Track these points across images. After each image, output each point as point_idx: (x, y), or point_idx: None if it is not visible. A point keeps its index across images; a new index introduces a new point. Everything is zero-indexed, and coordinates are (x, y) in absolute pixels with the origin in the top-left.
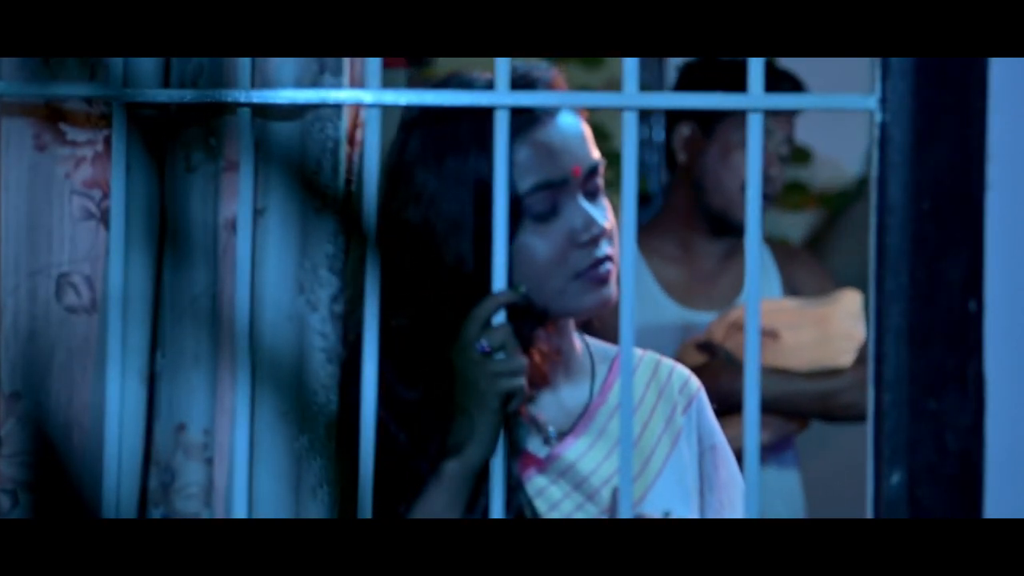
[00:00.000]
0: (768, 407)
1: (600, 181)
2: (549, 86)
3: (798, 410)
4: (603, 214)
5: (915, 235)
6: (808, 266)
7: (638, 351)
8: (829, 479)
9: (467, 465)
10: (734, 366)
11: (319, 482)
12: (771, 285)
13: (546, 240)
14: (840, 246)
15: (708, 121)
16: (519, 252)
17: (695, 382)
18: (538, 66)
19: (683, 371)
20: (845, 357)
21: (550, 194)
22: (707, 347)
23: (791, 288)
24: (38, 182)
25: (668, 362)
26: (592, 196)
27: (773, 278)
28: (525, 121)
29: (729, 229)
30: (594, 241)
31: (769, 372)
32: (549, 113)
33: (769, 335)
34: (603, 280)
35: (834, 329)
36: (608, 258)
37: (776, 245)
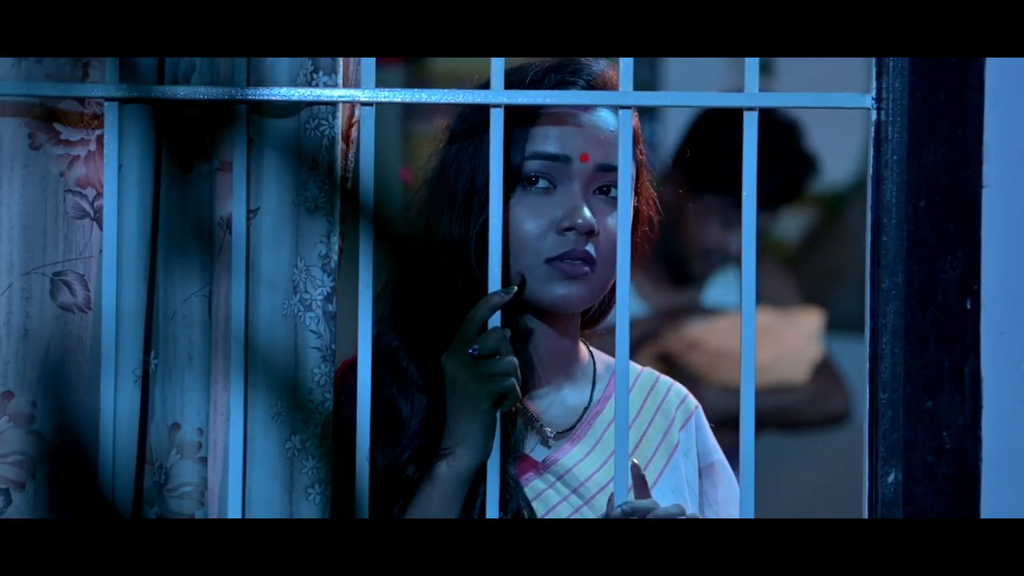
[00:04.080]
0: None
1: (617, 189)
2: (594, 80)
3: (755, 425)
4: (608, 219)
5: (911, 234)
6: (773, 274)
7: (637, 367)
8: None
9: (458, 468)
10: (691, 383)
11: (312, 482)
12: (733, 292)
13: (531, 214)
14: (836, 245)
15: (706, 182)
16: (510, 216)
17: (692, 400)
18: (596, 60)
19: (680, 389)
20: (800, 375)
21: (548, 167)
22: (665, 360)
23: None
24: (32, 181)
25: (666, 379)
26: (600, 196)
27: (736, 287)
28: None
29: (678, 275)
30: (574, 232)
31: (727, 390)
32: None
33: (730, 355)
34: (572, 275)
35: (791, 349)
36: (587, 257)
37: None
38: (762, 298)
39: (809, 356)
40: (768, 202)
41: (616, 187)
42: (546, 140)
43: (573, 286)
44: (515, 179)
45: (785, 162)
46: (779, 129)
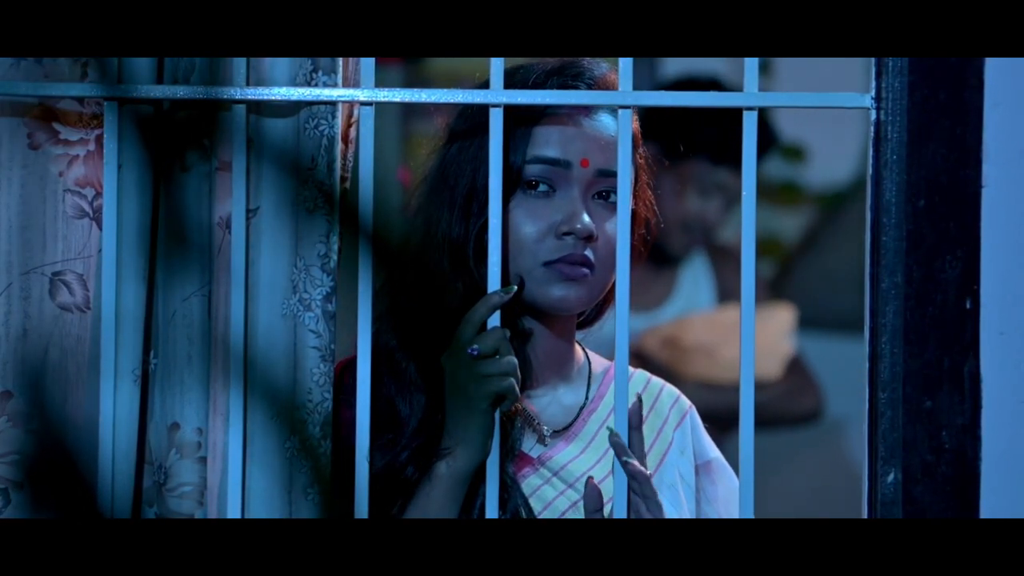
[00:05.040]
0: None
1: (615, 195)
2: (595, 83)
3: (729, 420)
4: (607, 224)
5: (910, 233)
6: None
7: (630, 369)
8: (823, 479)
9: (456, 467)
10: (665, 379)
11: (311, 482)
12: (704, 292)
13: (532, 218)
14: (835, 245)
15: (677, 151)
16: (509, 218)
17: (686, 401)
18: (595, 62)
19: (673, 390)
20: (772, 371)
21: (549, 171)
22: (639, 357)
23: (724, 294)
24: (31, 181)
25: (658, 380)
26: (599, 201)
27: (706, 285)
28: None
29: (658, 257)
30: (573, 236)
31: (701, 385)
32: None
33: (703, 350)
34: (571, 278)
35: (763, 345)
36: (585, 261)
37: (713, 250)
38: (732, 295)
39: (781, 352)
40: (712, 154)
41: (615, 192)
42: (547, 144)
43: (572, 288)
44: (515, 182)
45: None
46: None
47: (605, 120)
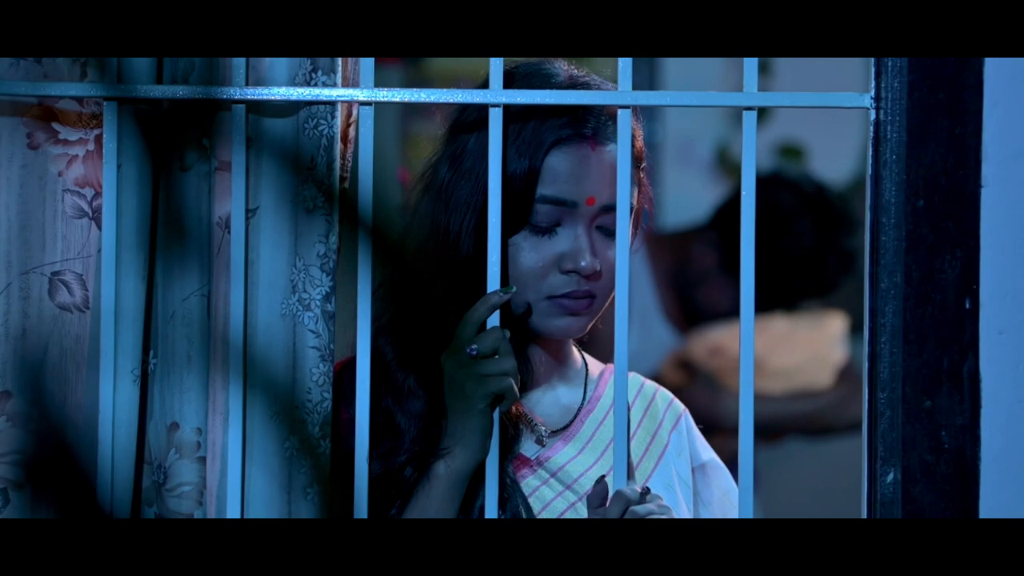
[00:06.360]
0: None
1: (615, 227)
2: (604, 112)
3: (779, 430)
4: (608, 252)
5: (910, 233)
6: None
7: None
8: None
9: (455, 468)
10: (712, 389)
11: (311, 482)
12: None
13: (536, 252)
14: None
15: (728, 252)
16: (513, 252)
17: (679, 404)
18: (605, 81)
19: (667, 393)
20: (824, 380)
21: (556, 211)
22: (687, 366)
23: (771, 304)
24: (31, 181)
25: (652, 384)
26: (604, 233)
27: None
28: (577, 133)
29: (691, 316)
30: (577, 272)
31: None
32: (606, 135)
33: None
34: (574, 312)
35: (816, 353)
36: (588, 295)
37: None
38: (780, 304)
39: (834, 360)
40: (829, 282)
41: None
42: (555, 182)
43: (574, 320)
44: (522, 219)
45: (831, 241)
46: (820, 210)
47: (613, 151)
